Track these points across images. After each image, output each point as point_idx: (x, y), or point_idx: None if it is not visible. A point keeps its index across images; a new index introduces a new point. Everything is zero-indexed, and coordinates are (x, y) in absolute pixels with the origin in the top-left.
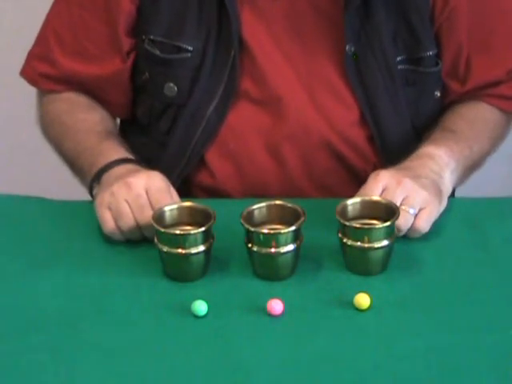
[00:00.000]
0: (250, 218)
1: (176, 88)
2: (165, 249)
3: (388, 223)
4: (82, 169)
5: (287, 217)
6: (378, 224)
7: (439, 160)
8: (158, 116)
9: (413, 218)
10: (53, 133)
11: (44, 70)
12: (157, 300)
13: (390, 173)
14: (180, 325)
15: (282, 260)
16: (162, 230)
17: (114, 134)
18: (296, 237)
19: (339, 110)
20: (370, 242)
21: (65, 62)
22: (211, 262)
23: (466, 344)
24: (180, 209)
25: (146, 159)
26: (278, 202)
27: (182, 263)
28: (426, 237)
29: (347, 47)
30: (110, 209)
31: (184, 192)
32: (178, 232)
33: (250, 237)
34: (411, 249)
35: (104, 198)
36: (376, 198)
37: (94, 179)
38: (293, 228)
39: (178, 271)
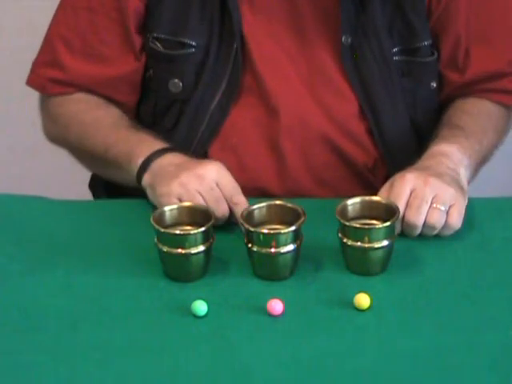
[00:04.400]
0: (250, 217)
1: (181, 84)
2: (165, 249)
3: (388, 223)
4: (115, 159)
5: (287, 217)
6: (378, 224)
7: (453, 157)
8: (162, 113)
9: (445, 215)
10: (72, 134)
11: (53, 75)
12: (157, 300)
13: (415, 174)
14: (180, 325)
15: (281, 260)
16: (162, 230)
17: (141, 126)
18: (296, 237)
19: (338, 103)
20: (370, 241)
21: (75, 65)
22: (211, 262)
23: (466, 344)
24: (180, 209)
25: None
26: (278, 202)
27: (182, 263)
28: (425, 237)
29: (343, 38)
30: (180, 200)
31: None
32: (178, 232)
33: (249, 237)
34: (411, 249)
35: (173, 188)
36: (376, 198)
37: (142, 167)
38: (293, 228)
39: (178, 271)
